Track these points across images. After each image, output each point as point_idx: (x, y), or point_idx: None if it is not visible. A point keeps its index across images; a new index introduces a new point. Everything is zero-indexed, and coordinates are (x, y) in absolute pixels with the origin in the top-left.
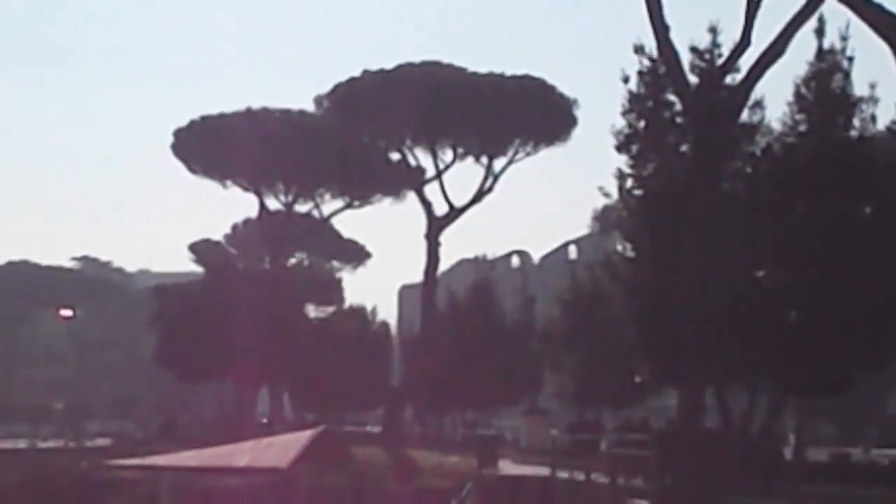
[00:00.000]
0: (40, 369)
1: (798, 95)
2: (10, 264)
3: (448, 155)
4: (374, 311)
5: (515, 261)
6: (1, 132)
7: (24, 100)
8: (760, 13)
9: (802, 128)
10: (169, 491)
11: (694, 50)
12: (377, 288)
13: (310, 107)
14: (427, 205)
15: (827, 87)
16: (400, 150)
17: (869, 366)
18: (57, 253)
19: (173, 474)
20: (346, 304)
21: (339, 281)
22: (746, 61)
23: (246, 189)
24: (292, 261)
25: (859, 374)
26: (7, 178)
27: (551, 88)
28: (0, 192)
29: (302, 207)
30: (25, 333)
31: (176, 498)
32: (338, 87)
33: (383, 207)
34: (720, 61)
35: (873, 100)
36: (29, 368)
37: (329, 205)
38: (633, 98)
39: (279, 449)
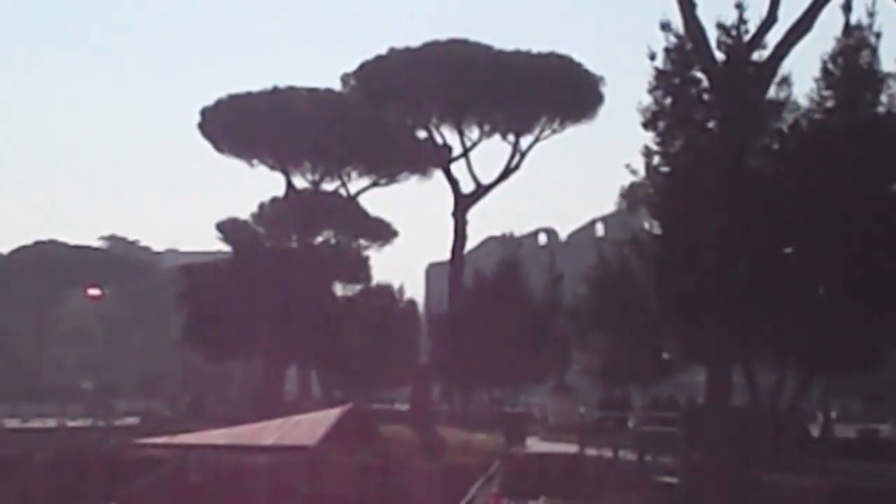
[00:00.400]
0: (68, 349)
1: (825, 72)
2: (38, 244)
3: (475, 133)
4: (401, 289)
5: (542, 238)
6: (29, 112)
7: (51, 80)
8: None
9: (829, 104)
10: (197, 468)
11: (720, 26)
12: (404, 266)
13: (336, 85)
14: (454, 182)
15: (854, 64)
16: (426, 128)
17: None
18: (84, 232)
19: (201, 452)
20: (374, 282)
21: (367, 259)
22: (773, 37)
23: (273, 168)
24: (319, 239)
25: (887, 351)
26: (35, 158)
27: (578, 66)
28: (28, 172)
29: (329, 186)
30: (53, 313)
31: (204, 475)
32: (364, 66)
33: (410, 185)
34: (747, 38)
35: None
36: (57, 348)
37: (356, 183)
38: (660, 75)
39: (307, 427)
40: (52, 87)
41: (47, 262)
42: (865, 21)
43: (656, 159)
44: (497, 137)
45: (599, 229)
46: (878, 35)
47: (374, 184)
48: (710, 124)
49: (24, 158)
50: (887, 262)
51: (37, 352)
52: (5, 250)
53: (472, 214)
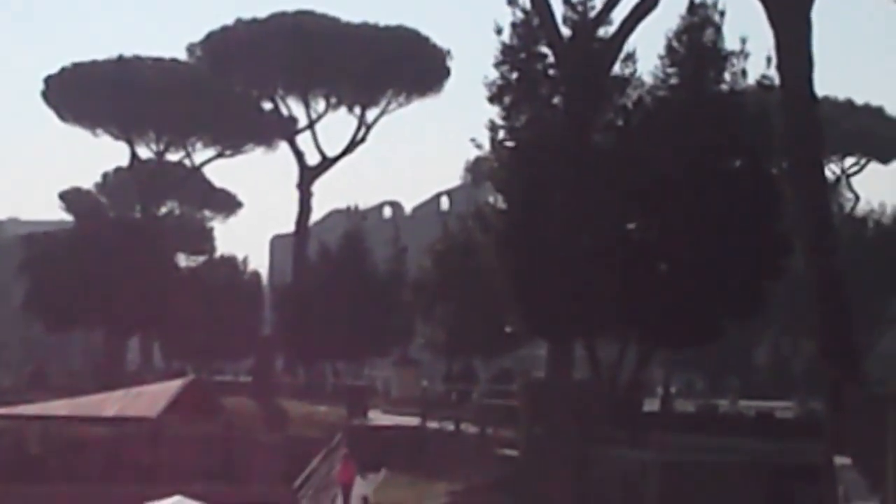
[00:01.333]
0: None
1: (670, 49)
2: None
3: (321, 105)
4: (245, 260)
5: (387, 211)
6: None
7: None
8: None
9: (674, 81)
10: (37, 440)
11: (567, 2)
12: (248, 238)
13: (182, 55)
14: (299, 155)
15: (698, 41)
16: (272, 100)
17: (736, 317)
18: None
19: (42, 423)
20: (218, 253)
21: (211, 230)
22: (619, 14)
23: (117, 137)
24: (163, 210)
25: (726, 326)
26: None
27: (425, 39)
28: None
29: (173, 156)
30: None
31: (44, 446)
32: (210, 36)
33: (255, 157)
34: (593, 14)
35: (744, 54)
36: None
37: (201, 154)
38: (506, 50)
39: (148, 399)
40: None
41: None
42: None
43: (501, 134)
44: (343, 110)
45: (444, 203)
46: (722, 13)
47: (219, 155)
48: (556, 99)
49: None
50: (728, 239)
51: None
52: None
53: (318, 187)
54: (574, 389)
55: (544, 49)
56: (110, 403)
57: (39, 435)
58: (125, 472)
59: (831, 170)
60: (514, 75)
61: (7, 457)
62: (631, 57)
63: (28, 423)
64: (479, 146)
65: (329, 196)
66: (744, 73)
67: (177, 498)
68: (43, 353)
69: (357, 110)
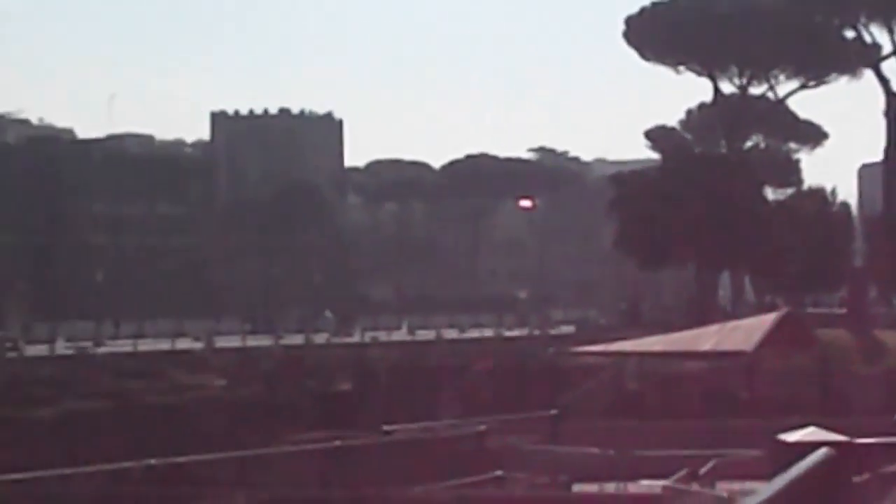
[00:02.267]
0: (502, 259)
1: None
2: (470, 157)
3: None
4: (833, 191)
5: None
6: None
7: None
8: None
9: None
10: (634, 375)
11: None
12: (835, 168)
13: None
14: (884, 82)
15: None
16: (854, 27)
17: None
18: (514, 145)
19: (638, 359)
20: (805, 185)
21: (797, 162)
22: None
23: (699, 74)
24: (748, 144)
25: None
26: (464, 72)
27: None
28: (460, 88)
29: (756, 90)
30: (487, 225)
31: (641, 382)
32: None
33: (839, 86)
34: None
35: None
36: (491, 259)
37: (784, 86)
38: None
39: (743, 333)
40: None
41: (479, 175)
42: None
43: None
44: None
45: None
46: None
47: (802, 86)
48: None
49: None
50: None
51: (472, 264)
52: (438, 165)
53: None
54: None
55: None
56: (705, 338)
57: (636, 371)
58: (721, 407)
59: None
60: None
61: (607, 393)
62: None
63: (625, 359)
64: None
65: None
66: None
67: (811, 429)
68: (635, 291)
69: None
